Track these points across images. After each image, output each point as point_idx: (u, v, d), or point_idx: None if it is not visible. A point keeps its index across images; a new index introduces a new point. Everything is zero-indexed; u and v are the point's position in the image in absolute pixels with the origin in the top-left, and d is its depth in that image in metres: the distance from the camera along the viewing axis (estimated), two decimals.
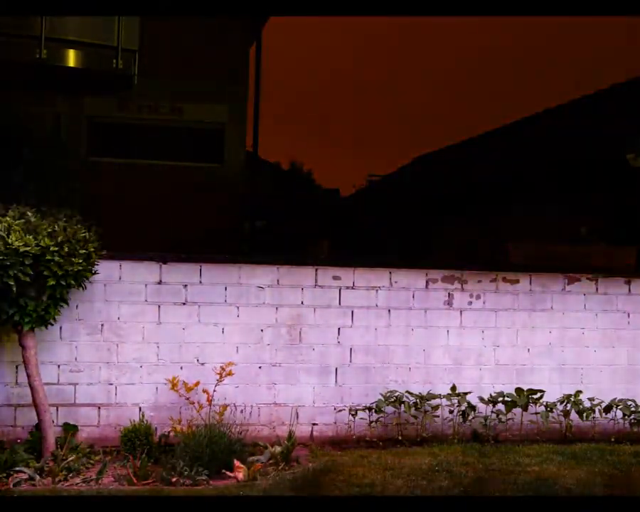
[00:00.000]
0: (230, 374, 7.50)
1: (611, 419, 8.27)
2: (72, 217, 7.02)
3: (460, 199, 17.87)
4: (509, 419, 8.05)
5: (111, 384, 7.66)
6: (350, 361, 8.10)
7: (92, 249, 7.03)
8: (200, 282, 7.86)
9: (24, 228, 6.71)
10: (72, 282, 6.94)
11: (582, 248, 12.38)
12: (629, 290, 8.76)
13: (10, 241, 6.60)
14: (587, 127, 15.26)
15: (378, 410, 7.80)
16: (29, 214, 6.85)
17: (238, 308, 7.94)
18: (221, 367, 7.50)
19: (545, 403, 8.14)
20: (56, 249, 6.74)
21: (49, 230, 6.77)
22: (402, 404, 7.84)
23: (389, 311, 8.22)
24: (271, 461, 6.91)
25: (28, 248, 6.63)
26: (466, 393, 8.04)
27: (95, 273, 7.27)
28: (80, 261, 6.88)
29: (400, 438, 7.82)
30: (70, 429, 7.19)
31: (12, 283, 6.61)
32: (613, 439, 8.06)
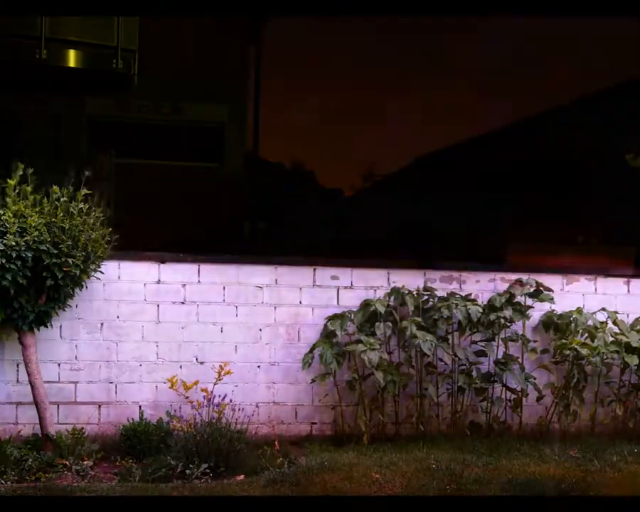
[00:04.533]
0: (228, 373, 7.52)
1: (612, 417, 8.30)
2: (72, 216, 7.00)
3: (460, 198, 17.86)
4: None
5: (111, 382, 7.69)
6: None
7: (91, 250, 7.04)
8: (199, 282, 7.88)
9: (21, 228, 6.71)
10: (70, 283, 6.96)
11: (582, 248, 12.42)
12: (628, 290, 8.78)
13: (8, 242, 6.61)
14: (586, 128, 15.26)
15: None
16: (29, 212, 6.83)
17: (237, 307, 7.96)
18: (220, 366, 7.53)
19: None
20: (55, 251, 6.75)
21: (49, 230, 6.77)
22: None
23: None
24: (270, 460, 6.92)
25: (28, 253, 6.63)
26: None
27: (100, 272, 7.32)
28: (79, 263, 6.89)
29: (398, 437, 7.85)
30: (75, 433, 7.16)
31: (8, 286, 6.62)
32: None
